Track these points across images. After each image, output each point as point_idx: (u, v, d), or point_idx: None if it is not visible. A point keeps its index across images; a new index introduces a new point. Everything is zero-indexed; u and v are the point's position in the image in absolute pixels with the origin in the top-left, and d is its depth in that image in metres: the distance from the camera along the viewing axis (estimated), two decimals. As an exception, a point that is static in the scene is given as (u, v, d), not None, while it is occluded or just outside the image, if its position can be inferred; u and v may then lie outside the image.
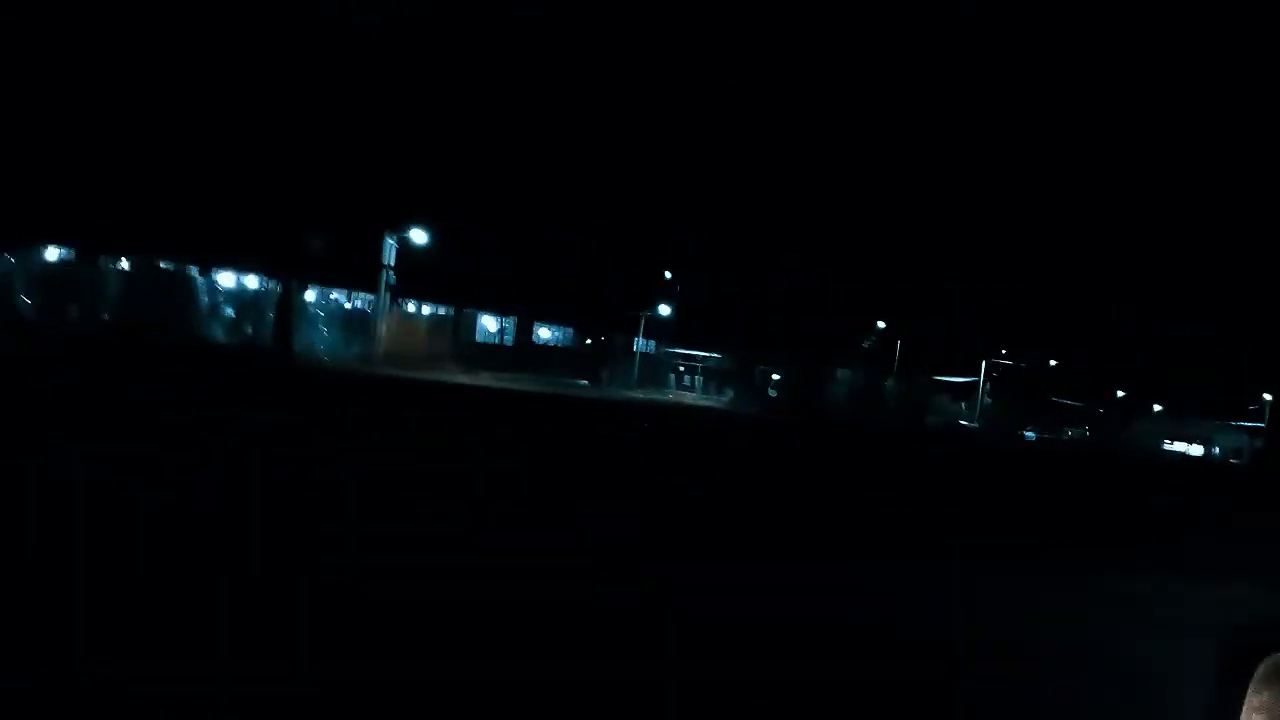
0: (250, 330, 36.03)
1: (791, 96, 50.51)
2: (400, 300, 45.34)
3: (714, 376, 52.14)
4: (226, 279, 37.22)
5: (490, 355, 45.13)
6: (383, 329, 39.57)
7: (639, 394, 46.55)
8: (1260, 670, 1.95)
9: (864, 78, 53.15)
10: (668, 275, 53.15)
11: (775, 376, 53.66)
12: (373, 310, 39.62)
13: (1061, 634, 6.82)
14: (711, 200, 50.34)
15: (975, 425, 54.65)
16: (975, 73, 52.69)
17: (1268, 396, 75.40)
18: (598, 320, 49.14)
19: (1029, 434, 61.33)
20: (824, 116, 49.02)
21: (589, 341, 49.66)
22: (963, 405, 62.17)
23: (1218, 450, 75.88)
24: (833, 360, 52.25)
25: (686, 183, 49.88)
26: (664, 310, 50.12)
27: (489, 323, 51.37)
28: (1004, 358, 62.76)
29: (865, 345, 53.92)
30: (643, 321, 49.95)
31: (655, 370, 51.80)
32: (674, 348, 53.10)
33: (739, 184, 51.45)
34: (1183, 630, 6.29)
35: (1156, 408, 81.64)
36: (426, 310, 48.52)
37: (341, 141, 37.13)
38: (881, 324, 54.19)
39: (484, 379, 38.77)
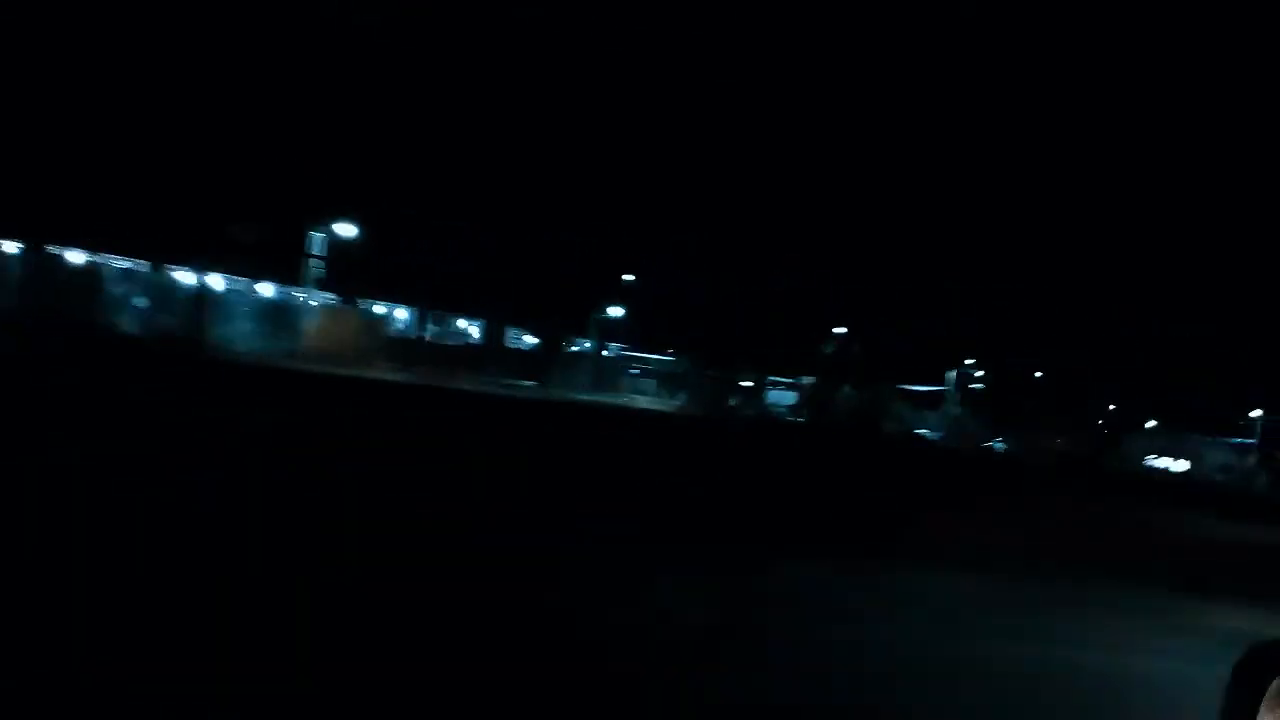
0: (164, 323, 34.84)
1: (752, 99, 49.37)
2: (355, 299, 44.24)
3: (668, 380, 50.85)
4: (138, 269, 36.00)
5: (429, 353, 43.86)
6: (309, 324, 38.32)
7: (587, 396, 45.32)
8: (1273, 688, 2.01)
9: (828, 82, 51.98)
10: (628, 278, 51.98)
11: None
12: (298, 305, 38.41)
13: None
14: (670, 202, 49.16)
15: (933, 435, 53.13)
16: (942, 77, 51.48)
17: (1258, 413, 74.22)
18: (548, 321, 47.90)
19: (997, 444, 60.08)
20: (785, 119, 47.83)
21: (540, 342, 48.42)
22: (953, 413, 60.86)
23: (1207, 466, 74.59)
24: (786, 367, 51.03)
25: (644, 184, 48.69)
26: (617, 312, 48.86)
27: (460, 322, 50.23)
28: (971, 368, 61.64)
29: (826, 352, 52.58)
30: (595, 323, 48.69)
31: (610, 373, 50.51)
32: (629, 350, 51.86)
33: (698, 185, 50.25)
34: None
35: (1151, 423, 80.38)
36: (381, 309, 47.47)
37: (270, 131, 35.96)
38: (841, 330, 52.85)
39: (413, 377, 37.56)
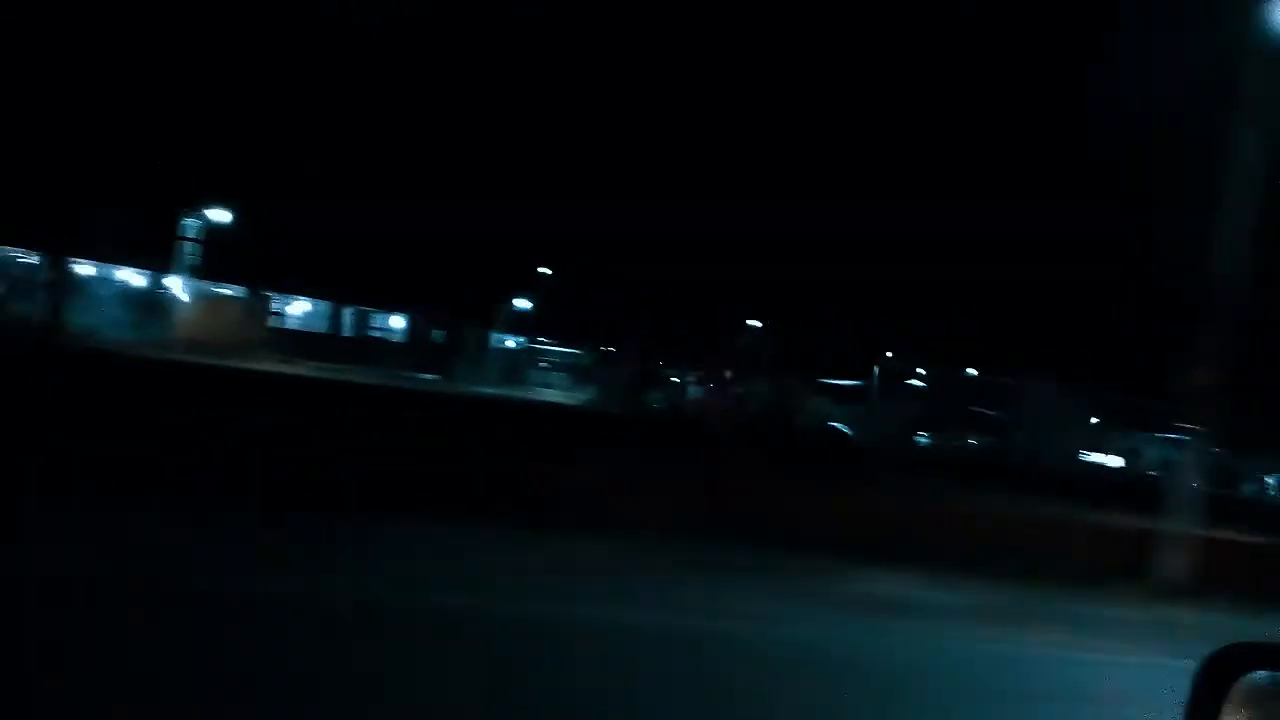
0: (20, 308, 33.48)
1: (649, 78, 48.22)
2: (261, 291, 42.91)
3: (576, 373, 49.81)
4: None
5: (319, 345, 42.59)
6: (182, 312, 36.99)
7: (491, 389, 44.17)
8: (1235, 693, 2.10)
9: (729, 63, 50.95)
10: (545, 271, 50.97)
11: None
12: (172, 292, 37.10)
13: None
14: (579, 189, 48.01)
15: (846, 429, 52.24)
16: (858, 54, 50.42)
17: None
18: (450, 311, 46.71)
19: (921, 439, 59.49)
20: (684, 99, 46.74)
21: (442, 334, 47.23)
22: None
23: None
24: (697, 358, 50.10)
25: (555, 171, 47.53)
26: (523, 303, 47.81)
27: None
28: (891, 362, 61.06)
29: (741, 345, 51.73)
30: (501, 314, 47.60)
31: (518, 366, 49.41)
32: (543, 343, 50.85)
33: (611, 175, 49.17)
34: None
35: (1093, 420, 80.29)
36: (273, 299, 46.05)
37: (143, 112, 34.57)
38: (756, 323, 52.04)
39: (301, 369, 36.25)
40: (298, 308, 49.75)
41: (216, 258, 37.24)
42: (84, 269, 35.59)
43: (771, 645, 7.12)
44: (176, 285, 36.59)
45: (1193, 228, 12.50)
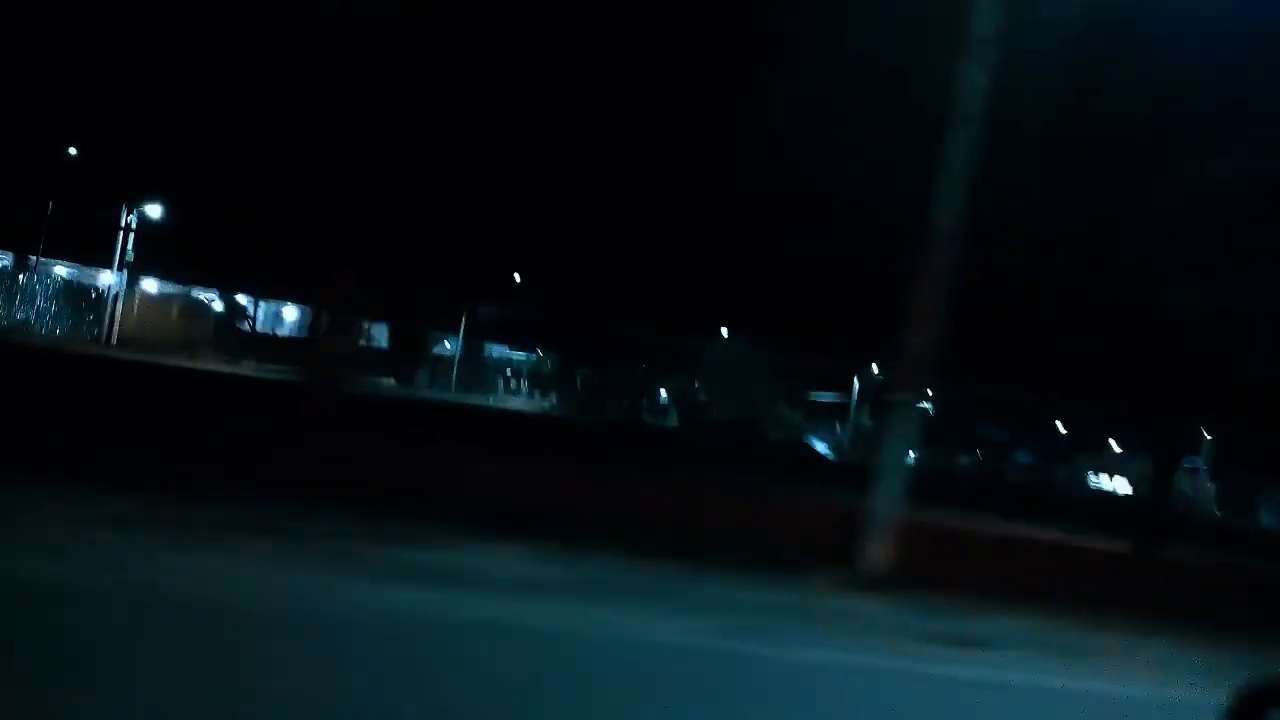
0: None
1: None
2: (228, 293, 42.95)
3: (539, 380, 49.45)
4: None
5: (269, 345, 42.54)
6: (120, 309, 37.09)
7: (452, 396, 43.96)
8: None
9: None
10: (517, 277, 50.58)
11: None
12: (111, 289, 37.21)
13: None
14: (543, 193, 47.60)
15: (823, 446, 51.25)
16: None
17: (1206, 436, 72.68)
18: (411, 316, 46.49)
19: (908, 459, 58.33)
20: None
21: (400, 338, 47.05)
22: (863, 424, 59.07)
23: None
24: (668, 368, 49.48)
25: (517, 176, 47.17)
26: (486, 309, 47.45)
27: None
28: (877, 377, 59.81)
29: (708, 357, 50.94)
30: (467, 321, 47.35)
31: (481, 373, 49.13)
32: (502, 349, 50.51)
33: (582, 180, 48.71)
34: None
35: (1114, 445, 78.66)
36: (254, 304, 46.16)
37: (83, 107, 34.78)
38: (724, 331, 51.22)
39: (244, 368, 36.25)
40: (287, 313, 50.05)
41: (162, 256, 37.31)
42: (19, 263, 35.84)
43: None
44: (119, 282, 36.69)
45: (914, 180, 11.64)
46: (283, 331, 46.90)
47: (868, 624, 9.60)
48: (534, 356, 50.77)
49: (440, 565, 8.42)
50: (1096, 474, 73.22)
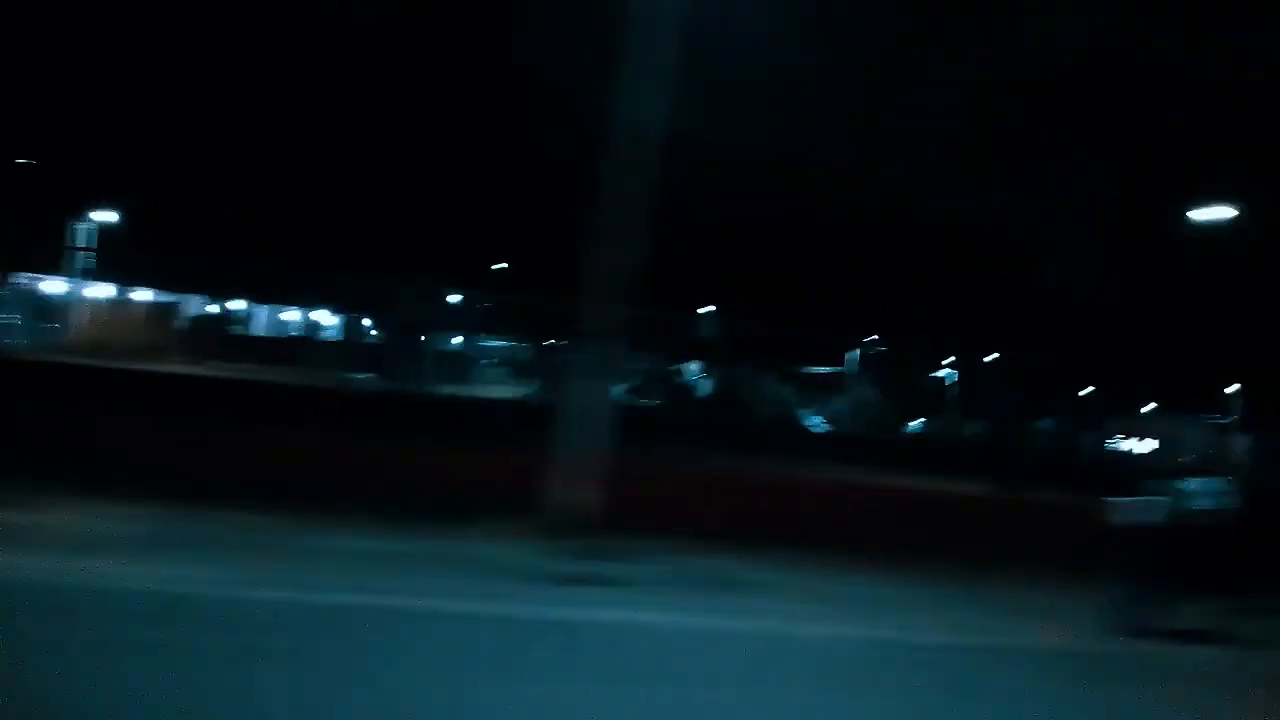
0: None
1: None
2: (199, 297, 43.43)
3: (520, 369, 49.15)
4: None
5: (243, 347, 42.93)
6: (82, 315, 37.66)
7: (433, 389, 43.91)
8: None
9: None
10: (502, 267, 50.51)
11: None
12: (69, 296, 37.79)
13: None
14: (522, 182, 47.33)
15: (818, 421, 50.39)
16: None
17: (1235, 388, 70.44)
18: (388, 310, 46.63)
19: (914, 425, 57.53)
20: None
21: (381, 334, 47.25)
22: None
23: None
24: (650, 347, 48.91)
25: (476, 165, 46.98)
26: (455, 299, 47.43)
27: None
28: (876, 345, 58.79)
29: (701, 333, 50.41)
30: (445, 312, 47.34)
31: (464, 365, 49.02)
32: (482, 339, 50.39)
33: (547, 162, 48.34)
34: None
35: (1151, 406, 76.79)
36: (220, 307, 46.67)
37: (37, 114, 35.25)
38: (710, 309, 50.56)
39: (214, 370, 36.54)
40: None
41: (121, 260, 37.76)
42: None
43: None
44: (79, 288, 37.23)
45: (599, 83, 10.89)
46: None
47: (500, 569, 9.28)
48: (515, 345, 50.61)
49: (16, 526, 8.33)
50: (1127, 438, 71.56)
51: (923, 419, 58.17)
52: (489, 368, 49.75)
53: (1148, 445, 71.33)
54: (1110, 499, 10.49)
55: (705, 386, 48.38)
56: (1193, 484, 11.51)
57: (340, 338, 49.41)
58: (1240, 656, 9.65)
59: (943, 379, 74.32)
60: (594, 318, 11.10)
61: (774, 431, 42.57)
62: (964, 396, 70.72)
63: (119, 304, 39.80)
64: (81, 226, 36.40)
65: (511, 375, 48.73)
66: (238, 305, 49.61)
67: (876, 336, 58.90)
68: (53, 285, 38.37)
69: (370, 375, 44.07)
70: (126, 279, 39.30)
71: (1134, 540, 10.16)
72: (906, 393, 58.69)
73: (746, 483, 13.12)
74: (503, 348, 51.14)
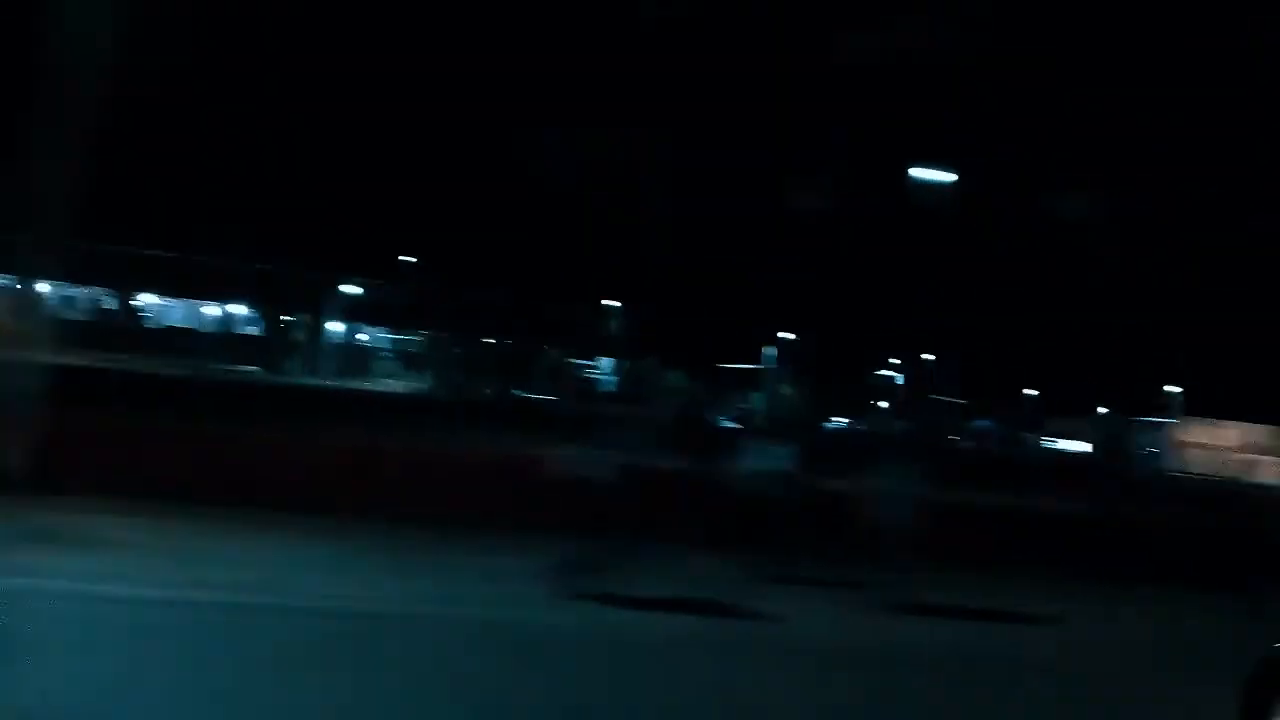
0: None
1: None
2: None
3: (414, 361, 48.27)
4: None
5: (118, 336, 41.99)
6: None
7: (316, 380, 42.97)
8: None
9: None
10: (408, 260, 49.66)
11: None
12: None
13: None
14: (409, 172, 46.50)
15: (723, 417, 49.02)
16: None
17: (1174, 389, 69.50)
18: (276, 300, 45.76)
19: (836, 423, 56.25)
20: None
21: (271, 324, 46.33)
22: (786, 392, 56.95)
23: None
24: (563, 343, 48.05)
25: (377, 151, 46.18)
26: (354, 290, 46.52)
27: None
28: (791, 342, 57.67)
29: (612, 330, 49.38)
30: (335, 302, 46.43)
31: (360, 357, 48.16)
32: (380, 331, 49.51)
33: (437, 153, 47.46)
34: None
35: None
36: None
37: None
38: (615, 303, 49.53)
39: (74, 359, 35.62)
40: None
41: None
42: None
43: None
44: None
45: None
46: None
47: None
48: (412, 338, 49.72)
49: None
50: (1064, 439, 71.07)
51: (846, 418, 56.99)
52: (385, 361, 48.92)
53: (1077, 445, 71.18)
54: (558, 451, 9.53)
55: (606, 382, 47.23)
56: (755, 446, 11.21)
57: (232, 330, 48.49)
58: (712, 625, 9.02)
59: (891, 378, 73.36)
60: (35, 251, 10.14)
61: (678, 429, 41.33)
62: (907, 395, 69.66)
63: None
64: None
65: (407, 369, 47.95)
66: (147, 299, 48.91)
67: (794, 334, 58.00)
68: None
69: (253, 367, 43.24)
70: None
71: (584, 495, 9.14)
72: (833, 391, 57.54)
73: (210, 439, 11.95)
74: (398, 341, 50.29)
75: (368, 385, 43.89)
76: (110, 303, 46.84)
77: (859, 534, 10.18)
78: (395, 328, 49.48)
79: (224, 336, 46.35)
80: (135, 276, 45.72)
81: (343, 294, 47.21)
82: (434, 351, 46.67)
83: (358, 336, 49.41)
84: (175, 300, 49.48)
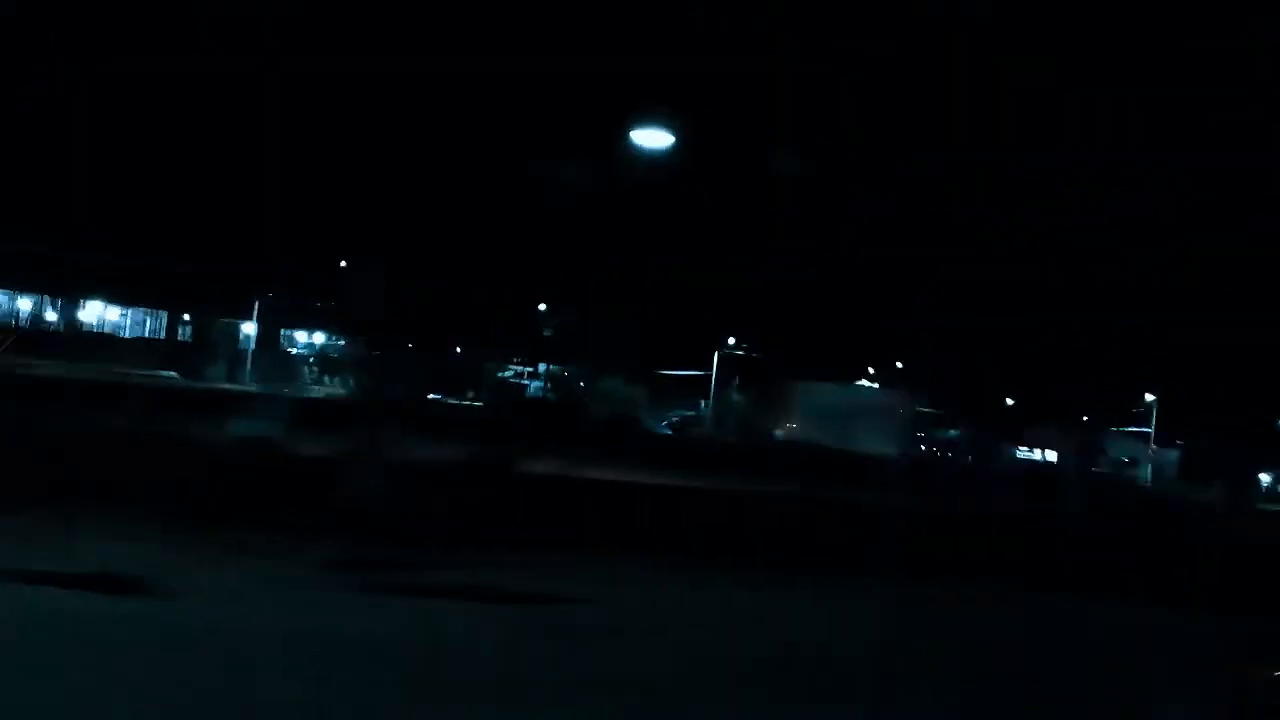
0: None
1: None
2: None
3: (338, 366, 47.21)
4: None
5: (37, 341, 41.33)
6: None
7: (234, 386, 42.11)
8: None
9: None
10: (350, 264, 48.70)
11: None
12: None
13: None
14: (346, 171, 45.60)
15: (660, 424, 47.64)
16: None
17: (1150, 397, 67.35)
18: (199, 307, 45.03)
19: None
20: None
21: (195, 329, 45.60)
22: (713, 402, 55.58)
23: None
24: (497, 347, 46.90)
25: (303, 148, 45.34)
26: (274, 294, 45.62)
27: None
28: (737, 348, 56.08)
29: (546, 334, 48.19)
30: (257, 306, 45.61)
31: (287, 363, 47.23)
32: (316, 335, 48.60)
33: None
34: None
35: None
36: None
37: None
38: (542, 307, 48.35)
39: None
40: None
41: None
42: None
43: None
44: None
45: None
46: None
47: None
48: (336, 342, 48.78)
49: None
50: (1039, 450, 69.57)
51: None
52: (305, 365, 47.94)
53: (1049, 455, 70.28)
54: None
55: (536, 386, 46.02)
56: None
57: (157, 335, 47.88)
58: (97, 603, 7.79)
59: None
60: None
61: (605, 433, 40.09)
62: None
63: None
64: None
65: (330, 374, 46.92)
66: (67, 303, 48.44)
67: (740, 342, 56.48)
68: None
69: (171, 373, 42.47)
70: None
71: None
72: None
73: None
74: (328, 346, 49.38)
75: (286, 390, 42.93)
76: (28, 307, 46.39)
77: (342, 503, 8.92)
78: (328, 332, 48.63)
79: (146, 342, 45.74)
80: (56, 280, 45.22)
81: (272, 298, 46.43)
82: (352, 355, 45.67)
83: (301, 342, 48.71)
84: (99, 304, 49.09)
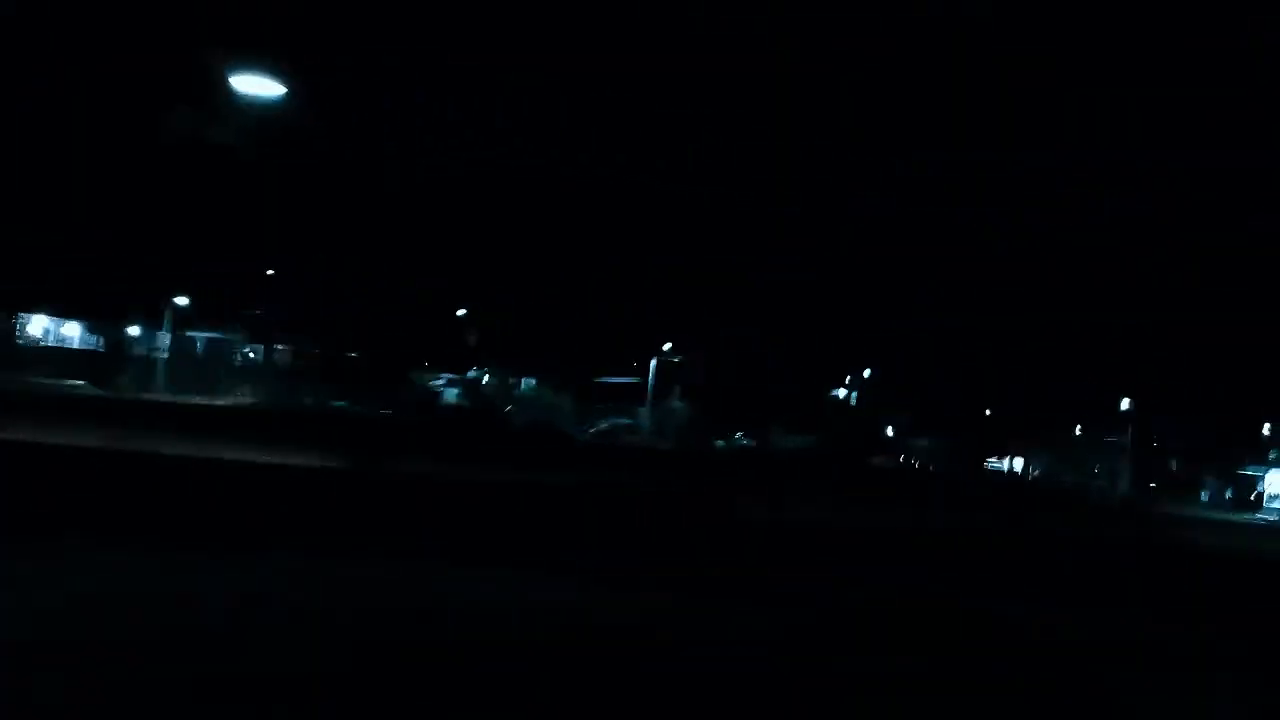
0: None
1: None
2: None
3: (253, 374, 46.51)
4: None
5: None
6: None
7: (145, 396, 41.58)
8: None
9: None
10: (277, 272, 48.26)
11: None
12: None
13: None
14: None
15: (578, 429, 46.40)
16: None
17: (1126, 403, 65.37)
18: (110, 314, 44.58)
19: (734, 440, 53.88)
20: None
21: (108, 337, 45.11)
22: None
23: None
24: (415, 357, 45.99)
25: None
26: (183, 300, 45.10)
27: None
28: (670, 355, 54.71)
29: (470, 342, 47.24)
30: (170, 312, 45.08)
31: (205, 370, 46.56)
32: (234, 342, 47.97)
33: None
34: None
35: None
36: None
37: None
38: (461, 312, 47.37)
39: None
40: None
41: None
42: None
43: None
44: None
45: None
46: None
47: None
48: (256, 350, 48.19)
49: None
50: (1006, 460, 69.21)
51: (741, 433, 54.14)
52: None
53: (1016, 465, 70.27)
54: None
55: (451, 394, 45.01)
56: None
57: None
58: None
59: (840, 397, 70.49)
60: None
61: (525, 441, 39.06)
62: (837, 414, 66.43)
63: None
64: None
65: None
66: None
67: (675, 348, 55.12)
68: None
69: (81, 382, 41.99)
70: None
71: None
72: (735, 406, 54.54)
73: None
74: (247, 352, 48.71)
75: (196, 399, 42.29)
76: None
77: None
78: (248, 339, 48.02)
79: (54, 351, 45.32)
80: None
81: (183, 306, 45.92)
82: (266, 363, 45.04)
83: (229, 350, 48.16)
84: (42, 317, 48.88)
